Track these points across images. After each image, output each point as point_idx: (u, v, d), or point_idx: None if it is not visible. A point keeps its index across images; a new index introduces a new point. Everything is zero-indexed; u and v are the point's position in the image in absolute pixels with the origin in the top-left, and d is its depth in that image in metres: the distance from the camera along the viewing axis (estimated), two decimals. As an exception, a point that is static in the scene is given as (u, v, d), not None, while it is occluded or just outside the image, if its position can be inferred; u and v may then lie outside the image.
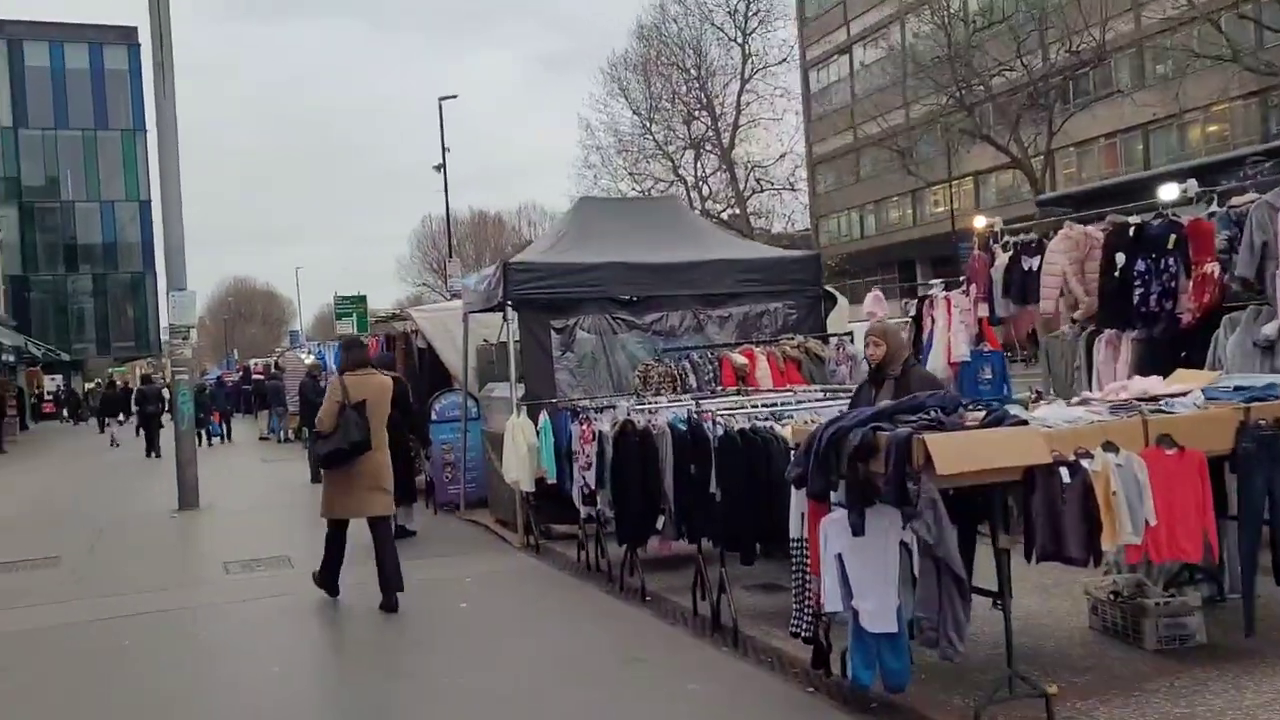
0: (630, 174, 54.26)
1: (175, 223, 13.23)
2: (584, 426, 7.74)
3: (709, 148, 54.72)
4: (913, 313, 9.10)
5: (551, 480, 8.72)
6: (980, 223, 16.23)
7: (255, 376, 30.25)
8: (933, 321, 8.64)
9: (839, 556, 4.43)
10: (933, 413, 4.36)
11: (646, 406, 7.51)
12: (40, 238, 59.76)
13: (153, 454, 21.61)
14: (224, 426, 26.44)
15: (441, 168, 38.44)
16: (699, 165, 54.73)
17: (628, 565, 7.21)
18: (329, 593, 7.54)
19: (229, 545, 10.21)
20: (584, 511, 8.04)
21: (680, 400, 7.89)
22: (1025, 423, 4.27)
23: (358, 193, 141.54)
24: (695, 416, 6.46)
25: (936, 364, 8.41)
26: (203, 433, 22.50)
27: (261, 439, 25.68)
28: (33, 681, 6.04)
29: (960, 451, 4.04)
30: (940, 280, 9.57)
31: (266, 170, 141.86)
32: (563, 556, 8.55)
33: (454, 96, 38.45)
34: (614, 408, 7.95)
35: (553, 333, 9.66)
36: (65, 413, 48.04)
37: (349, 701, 5.53)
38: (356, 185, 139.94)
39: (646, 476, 6.87)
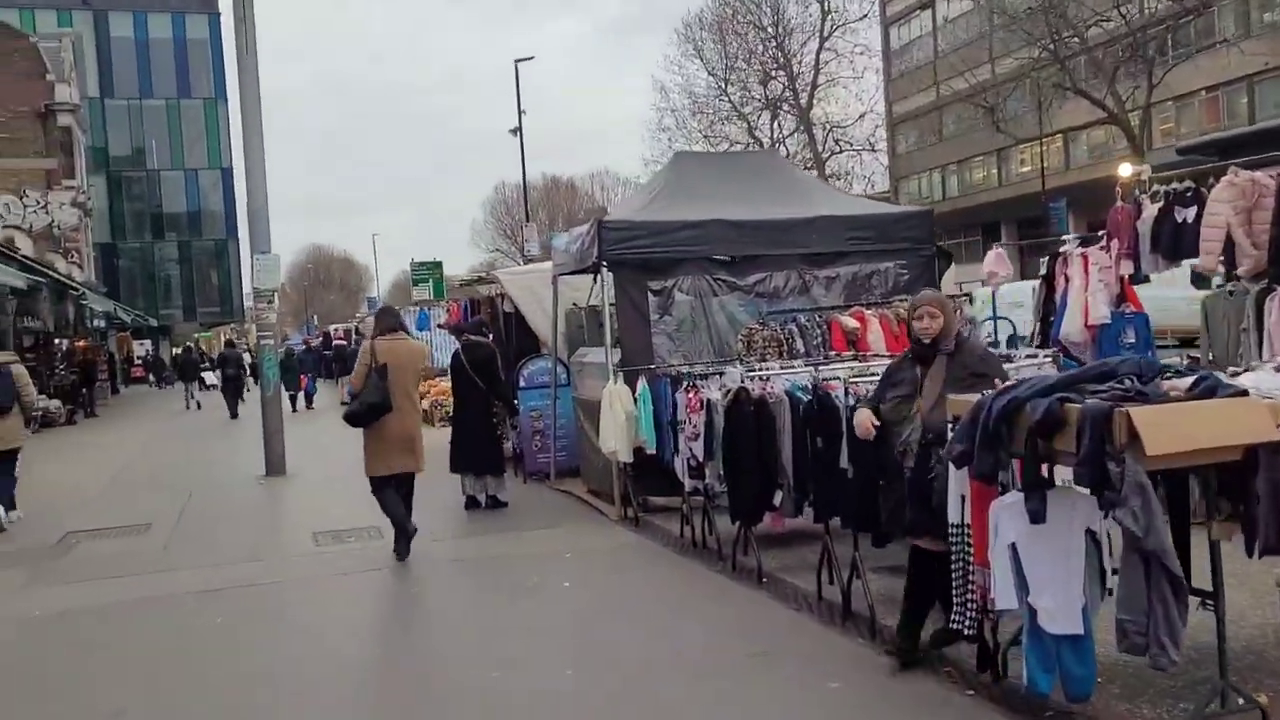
0: (705, 136, 53.25)
1: (259, 185, 12.99)
2: (691, 394, 7.24)
3: (786, 108, 53.48)
4: (1043, 271, 8.39)
5: (650, 451, 8.27)
6: (1126, 170, 15.24)
7: (337, 342, 30.35)
8: (1066, 280, 7.94)
9: (1013, 547, 3.87)
10: (1127, 381, 3.74)
11: (758, 374, 6.98)
12: (128, 206, 61.10)
13: (235, 416, 22.32)
14: (308, 392, 26.15)
15: (517, 131, 38.07)
16: (775, 126, 53.53)
17: (740, 543, 6.71)
18: (406, 545, 7.76)
19: (317, 515, 9.97)
20: (689, 484, 7.57)
21: (791, 367, 7.35)
22: (1245, 393, 3.63)
23: (432, 162, 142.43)
24: (820, 385, 5.90)
25: (1072, 327, 7.72)
26: (291, 398, 22.51)
27: (343, 404, 25.68)
28: (129, 658, 5.79)
29: (1172, 428, 3.43)
30: (1076, 235, 8.81)
31: (344, 141, 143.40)
32: (664, 531, 8.09)
33: (530, 58, 38.14)
34: (721, 374, 7.44)
35: (650, 295, 9.14)
36: (152, 377, 49.13)
37: (451, 690, 5.13)
38: (431, 155, 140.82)
39: (763, 449, 6.36)
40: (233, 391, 23.34)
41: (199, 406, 26.94)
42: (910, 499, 4.66)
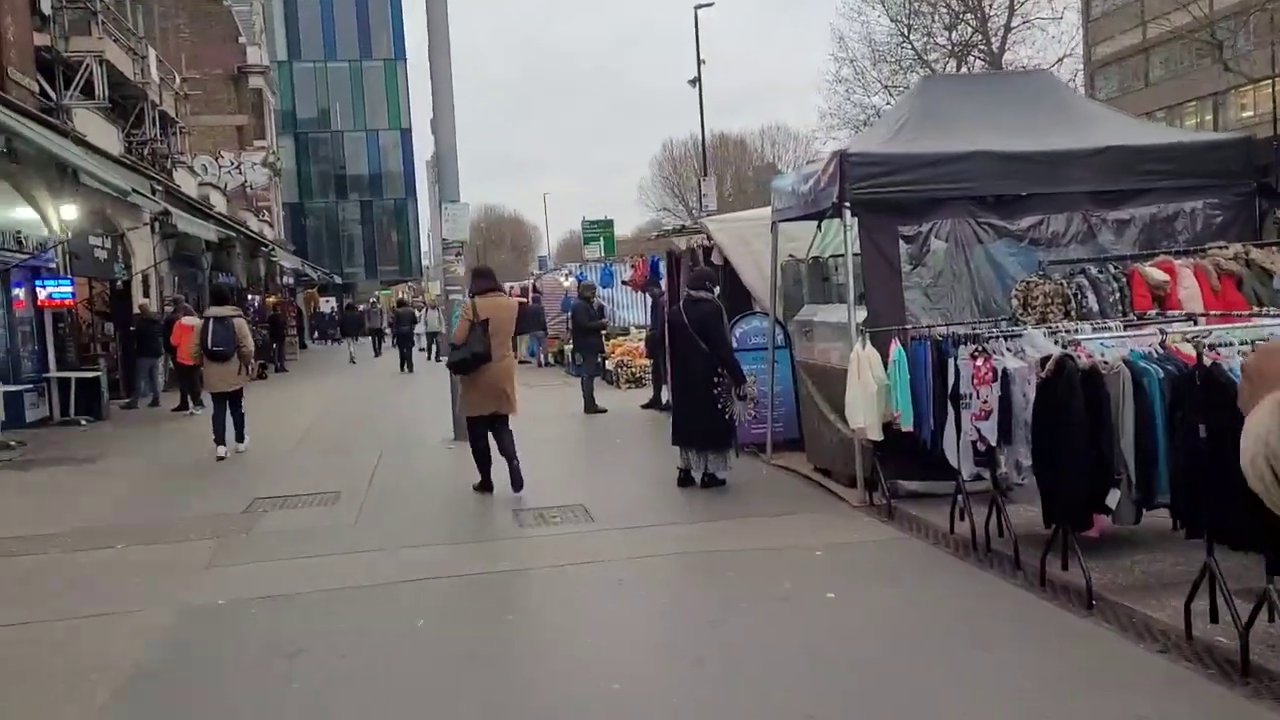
0: (885, 87, 50.39)
1: (447, 128, 12.15)
2: (980, 362, 5.81)
3: (977, 53, 49.97)
4: None
5: (906, 428, 6.90)
6: None
7: (518, 299, 29.90)
8: None
9: None
10: None
11: (1061, 336, 5.50)
12: (314, 167, 63.11)
13: (405, 368, 24.60)
14: None
15: (696, 81, 36.67)
16: (961, 74, 50.11)
17: (1057, 553, 5.27)
18: (483, 485, 8.68)
19: (544, 492, 9.06)
20: (968, 472, 6.18)
21: (1104, 327, 5.83)
22: None
23: (601, 120, 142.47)
24: (1204, 353, 4.39)
25: None
26: None
27: (521, 363, 25.11)
28: (318, 676, 4.88)
29: None
30: None
31: (512, 101, 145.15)
32: (927, 525, 6.72)
33: (710, 4, 36.33)
34: (1008, 336, 5.99)
35: (901, 242, 7.71)
36: (315, 333, 50.32)
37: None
38: (599, 112, 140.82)
39: (1098, 435, 4.90)
40: (405, 347, 25.48)
41: (353, 361, 29.50)
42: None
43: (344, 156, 63.60)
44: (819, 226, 9.59)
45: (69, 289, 16.30)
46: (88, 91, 18.28)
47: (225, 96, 42.67)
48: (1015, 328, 6.23)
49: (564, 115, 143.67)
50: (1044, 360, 5.17)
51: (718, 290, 9.04)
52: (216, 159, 41.21)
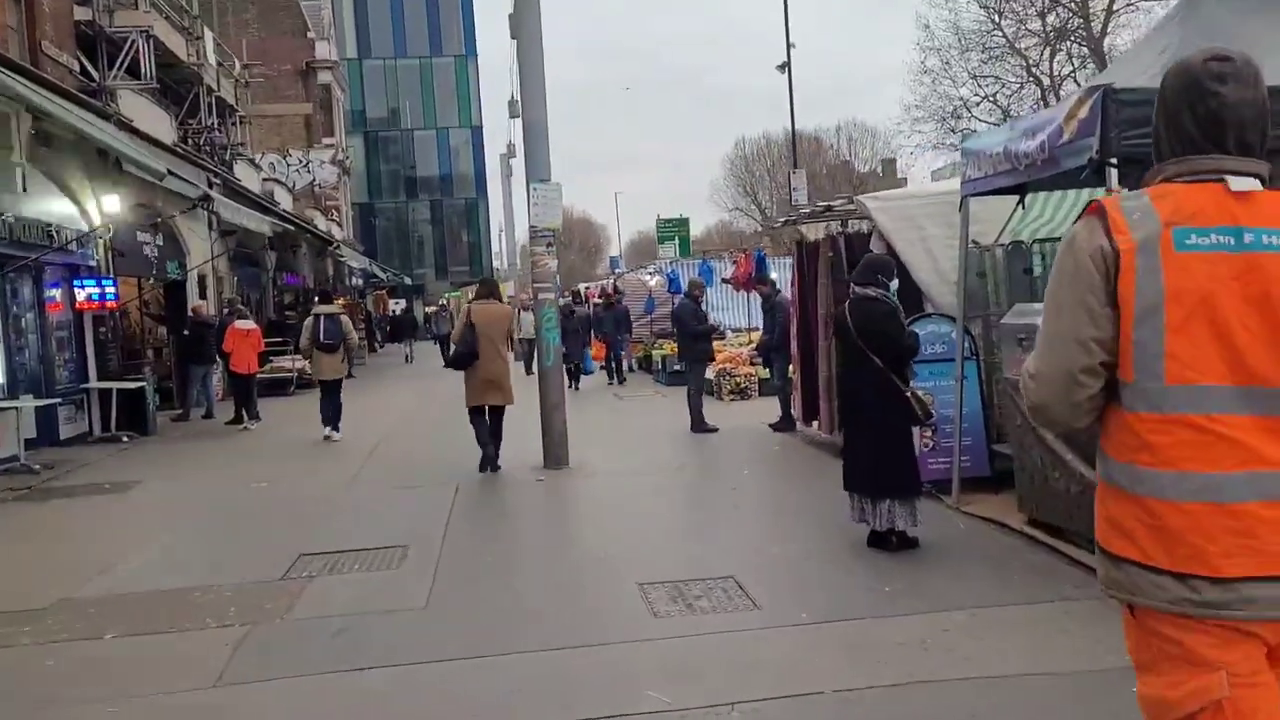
0: (973, 77, 47.54)
1: (536, 100, 10.12)
2: None
3: (1076, 39, 46.70)
4: None
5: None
6: None
7: (594, 301, 27.87)
8: None
9: None
10: None
11: None
12: (383, 166, 61.99)
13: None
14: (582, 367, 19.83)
15: (785, 66, 34.31)
16: (1055, 63, 46.93)
17: None
18: (490, 467, 9.81)
19: (634, 543, 6.95)
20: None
21: None
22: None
23: (671, 120, 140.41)
24: None
25: None
26: (569, 371, 18.75)
27: (603, 368, 23.05)
28: None
29: None
30: None
31: (579, 101, 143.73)
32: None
33: (797, -14, 33.93)
34: None
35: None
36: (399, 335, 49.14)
37: None
38: (669, 113, 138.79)
39: None
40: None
41: (412, 359, 30.11)
42: None
43: (414, 155, 62.38)
44: (1020, 202, 7.38)
45: (111, 289, 14.63)
46: (134, 72, 16.65)
47: (293, 92, 41.44)
48: None
49: (633, 115, 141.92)
50: None
51: (895, 285, 6.80)
52: (284, 156, 40.10)
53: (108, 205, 14.58)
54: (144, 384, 14.83)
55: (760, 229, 64.35)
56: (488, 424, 9.90)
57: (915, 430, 7.55)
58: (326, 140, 43.50)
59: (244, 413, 15.43)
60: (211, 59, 21.05)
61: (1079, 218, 2.10)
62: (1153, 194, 2.03)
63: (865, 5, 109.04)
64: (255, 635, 5.27)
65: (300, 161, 40.91)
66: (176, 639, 5.30)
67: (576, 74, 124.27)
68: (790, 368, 11.76)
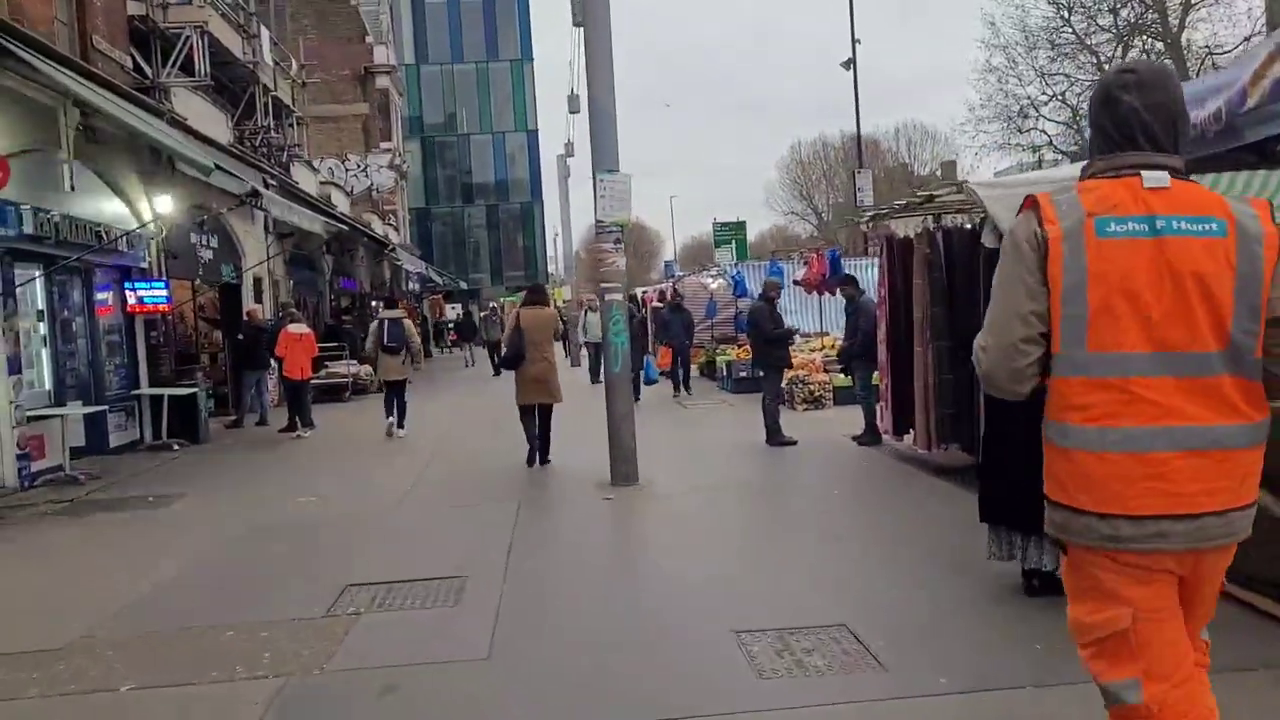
0: (1041, 75, 45.89)
1: (604, 83, 9.33)
2: None
3: (1151, 34, 44.81)
4: None
5: None
6: None
7: (654, 305, 27.06)
8: None
9: None
10: None
11: None
12: (440, 172, 61.80)
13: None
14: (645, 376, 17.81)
15: (850, 64, 33.27)
16: (1126, 60, 45.05)
17: None
18: (539, 461, 10.47)
19: (723, 578, 6.10)
20: None
21: None
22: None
23: (723, 125, 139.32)
24: None
25: None
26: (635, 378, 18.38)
27: (666, 375, 22.19)
28: None
29: None
30: None
31: (632, 106, 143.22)
32: None
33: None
34: None
35: None
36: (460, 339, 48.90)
37: None
38: (722, 117, 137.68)
39: None
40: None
41: (472, 364, 30.31)
42: None
43: (470, 160, 62.10)
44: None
45: (163, 292, 14.17)
46: (189, 71, 16.20)
47: (351, 96, 41.26)
48: None
49: (685, 119, 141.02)
50: None
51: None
52: (342, 161, 39.90)
53: (160, 205, 14.11)
54: (196, 390, 14.33)
55: (818, 231, 63.18)
56: (537, 422, 10.48)
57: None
58: (384, 145, 43.28)
59: (297, 420, 14.88)
60: (268, 58, 20.61)
61: (1019, 211, 2.39)
62: (1079, 188, 2.34)
63: (899, 9, 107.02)
64: (290, 691, 4.51)
65: (358, 166, 40.71)
66: (200, 693, 4.56)
67: (629, 77, 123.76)
68: (876, 376, 10.83)
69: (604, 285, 9.38)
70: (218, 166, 12.82)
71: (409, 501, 9.15)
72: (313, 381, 19.17)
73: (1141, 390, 2.20)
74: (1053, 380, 2.31)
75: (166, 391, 13.98)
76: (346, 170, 39.84)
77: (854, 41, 32.93)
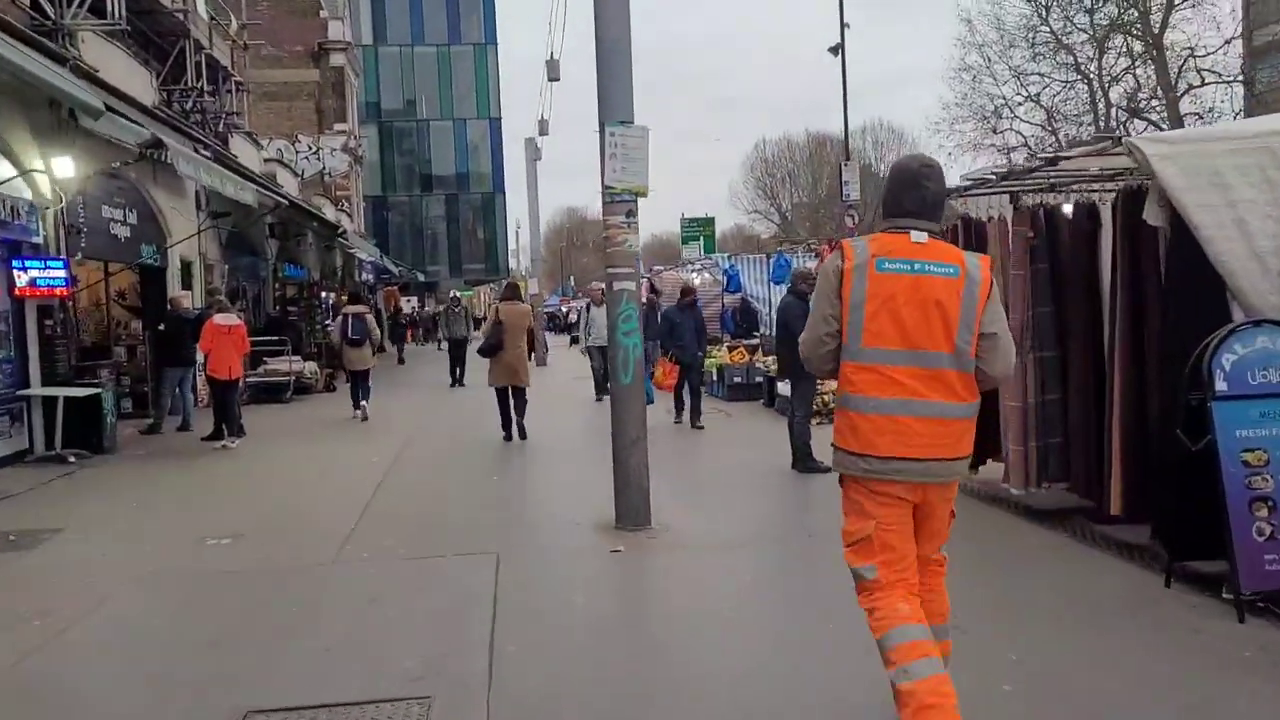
0: (1016, 75, 44.45)
1: (618, 14, 7.22)
2: None
3: (1136, 32, 43.50)
4: None
5: None
6: None
7: (649, 296, 24.83)
8: None
9: None
10: None
11: None
12: (398, 159, 59.13)
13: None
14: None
15: (838, 50, 31.33)
16: (1103, 61, 43.75)
17: None
18: (507, 436, 12.00)
19: (789, 692, 4.03)
20: None
21: None
22: None
23: (686, 122, 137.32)
24: None
25: None
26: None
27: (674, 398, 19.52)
28: None
29: None
30: None
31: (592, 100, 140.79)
32: None
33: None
34: None
35: None
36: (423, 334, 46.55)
37: None
38: (685, 114, 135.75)
39: None
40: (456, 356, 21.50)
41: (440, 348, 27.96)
42: None
43: (429, 147, 59.47)
44: None
45: (61, 273, 11.76)
46: (99, 13, 13.78)
47: (304, 70, 38.64)
48: None
49: (648, 115, 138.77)
50: None
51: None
52: (293, 142, 37.31)
53: (59, 168, 11.76)
54: (100, 391, 11.97)
55: (780, 230, 61.39)
56: (511, 402, 11.96)
57: (1248, 506, 4.70)
58: (339, 127, 40.73)
59: (224, 428, 12.58)
60: (202, 10, 18.18)
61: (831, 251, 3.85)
62: (869, 239, 3.48)
63: (880, 11, 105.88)
64: None
65: (309, 148, 38.15)
66: None
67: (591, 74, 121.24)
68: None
69: (612, 270, 7.19)
70: (109, 109, 10.46)
71: (352, 547, 6.95)
72: (248, 380, 16.89)
73: (894, 375, 3.34)
74: (842, 364, 3.44)
75: (62, 392, 11.59)
76: (298, 152, 37.26)
77: (843, 26, 30.98)
